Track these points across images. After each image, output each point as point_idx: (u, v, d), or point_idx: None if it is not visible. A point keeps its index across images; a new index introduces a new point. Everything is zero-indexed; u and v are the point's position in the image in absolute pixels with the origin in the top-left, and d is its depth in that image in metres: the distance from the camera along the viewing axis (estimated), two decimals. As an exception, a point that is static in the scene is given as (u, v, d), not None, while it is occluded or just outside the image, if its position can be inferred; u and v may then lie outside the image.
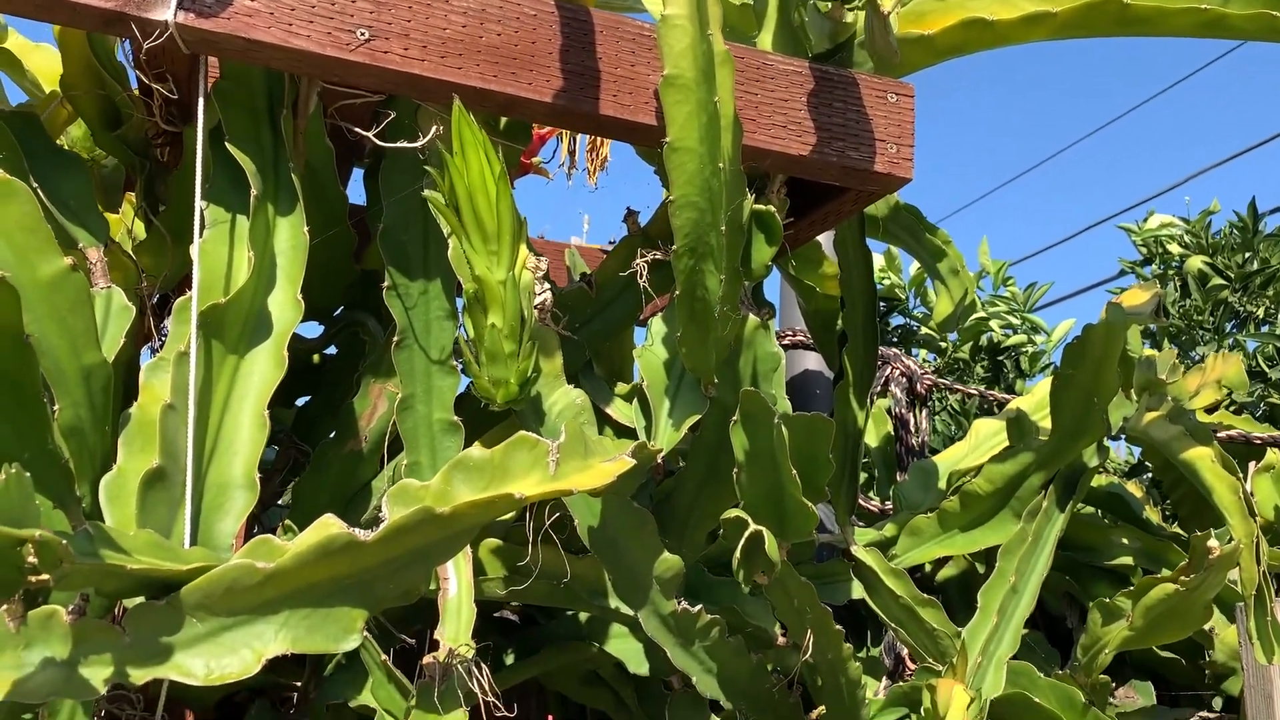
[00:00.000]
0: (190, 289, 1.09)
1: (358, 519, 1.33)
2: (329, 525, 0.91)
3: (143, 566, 0.84)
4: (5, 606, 0.85)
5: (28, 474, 0.69)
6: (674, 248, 1.08)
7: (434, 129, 1.10)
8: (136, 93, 1.15)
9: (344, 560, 0.90)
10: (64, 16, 0.98)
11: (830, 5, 1.24)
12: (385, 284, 1.20)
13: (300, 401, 1.54)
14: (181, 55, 1.05)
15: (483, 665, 1.06)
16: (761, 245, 1.20)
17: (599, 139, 1.65)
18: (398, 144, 1.09)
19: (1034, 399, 1.88)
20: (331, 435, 1.32)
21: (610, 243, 1.76)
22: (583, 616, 1.60)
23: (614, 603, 1.40)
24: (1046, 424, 1.70)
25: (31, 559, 0.75)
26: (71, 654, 0.85)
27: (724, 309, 1.11)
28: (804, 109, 1.22)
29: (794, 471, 1.15)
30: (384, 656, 1.11)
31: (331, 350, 1.53)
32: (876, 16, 1.01)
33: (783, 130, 1.21)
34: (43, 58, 1.69)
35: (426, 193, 1.15)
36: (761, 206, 1.19)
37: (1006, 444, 1.75)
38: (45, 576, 0.81)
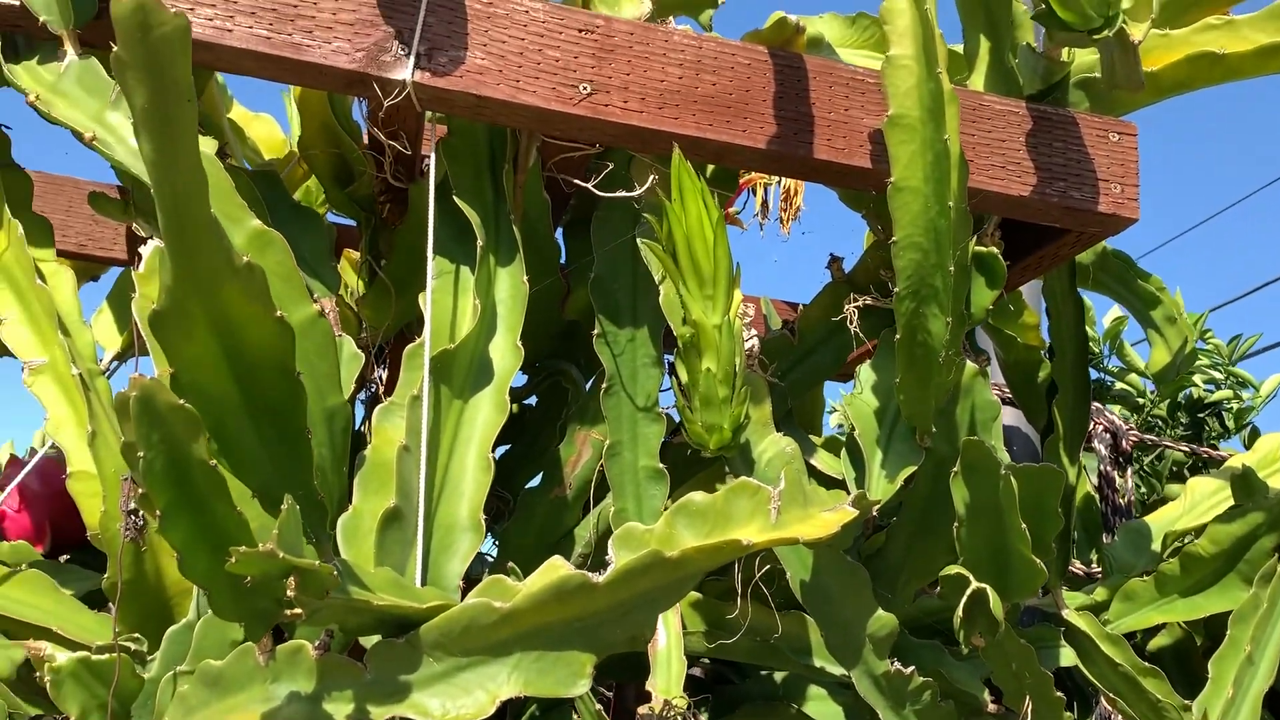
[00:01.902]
0: (412, 337, 1.13)
1: (562, 567, 1.33)
2: (558, 567, 0.91)
3: (387, 604, 0.85)
4: (257, 643, 0.88)
5: (297, 507, 0.72)
6: (896, 290, 1.05)
7: (651, 178, 1.11)
8: (367, 150, 1.21)
9: (576, 602, 0.89)
10: (312, 79, 1.04)
11: (1048, 44, 1.21)
12: (595, 331, 1.21)
13: (499, 450, 1.57)
14: (411, 113, 1.10)
15: (699, 718, 1.04)
16: (982, 289, 1.16)
17: (794, 188, 1.65)
18: (615, 194, 1.10)
19: (1259, 454, 1.76)
20: (537, 481, 1.33)
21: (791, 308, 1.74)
22: (778, 675, 1.56)
23: (819, 661, 1.36)
24: (1276, 481, 1.58)
25: (291, 591, 0.77)
26: (316, 689, 0.88)
27: (948, 354, 1.08)
28: (1022, 149, 1.19)
29: (1023, 526, 1.09)
30: (598, 705, 1.10)
31: (531, 400, 1.56)
32: (1122, 47, 0.98)
33: (1001, 171, 1.17)
34: (262, 127, 1.80)
35: (641, 241, 1.16)
36: (983, 248, 1.15)
37: (1230, 503, 1.64)
38: (298, 610, 0.84)
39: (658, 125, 1.09)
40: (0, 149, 1.11)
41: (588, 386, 1.33)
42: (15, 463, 1.47)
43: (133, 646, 0.98)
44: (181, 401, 0.65)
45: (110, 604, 1.28)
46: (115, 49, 0.63)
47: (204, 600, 1.05)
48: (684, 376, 1.10)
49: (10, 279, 1.05)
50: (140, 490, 0.68)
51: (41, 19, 0.95)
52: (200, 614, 1.04)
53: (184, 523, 0.70)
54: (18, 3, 0.96)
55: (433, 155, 1.09)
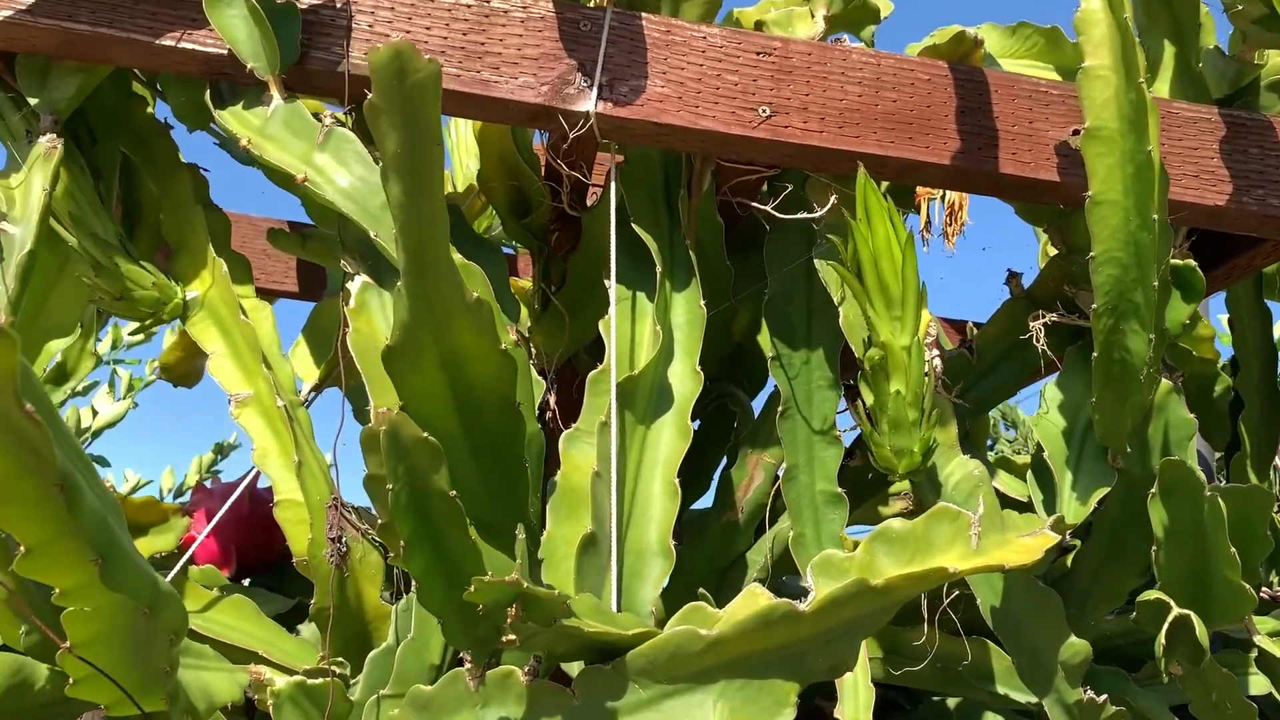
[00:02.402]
0: (577, 364, 1.14)
1: (734, 590, 1.33)
2: (759, 595, 0.90)
3: (596, 630, 0.86)
4: (466, 666, 0.90)
5: (522, 538, 0.73)
6: (1094, 307, 1.02)
7: (832, 198, 1.10)
8: (545, 181, 1.23)
9: (781, 631, 0.88)
10: (499, 114, 1.06)
11: (1239, 46, 1.16)
12: (770, 355, 1.20)
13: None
14: (589, 143, 1.11)
15: (900, 747, 1.02)
16: (1178, 303, 1.12)
17: (959, 202, 1.62)
18: (796, 215, 1.10)
19: None
20: (707, 504, 1.33)
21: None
22: (950, 702, 1.52)
23: (1002, 688, 1.32)
24: None
25: (512, 619, 0.78)
26: (525, 715, 0.88)
27: (1148, 371, 1.04)
28: (1215, 156, 1.14)
29: (1232, 550, 1.04)
30: (788, 733, 1.09)
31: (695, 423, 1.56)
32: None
33: (1194, 180, 1.13)
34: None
35: (821, 262, 1.15)
36: (1179, 261, 1.11)
37: None
38: (512, 637, 0.85)
39: (838, 144, 1.08)
40: (200, 190, 1.16)
41: (763, 411, 1.32)
42: (201, 489, 1.54)
43: (338, 670, 1.00)
44: (425, 434, 0.67)
45: (299, 627, 1.32)
46: (370, 97, 0.66)
47: (402, 625, 1.08)
48: (869, 399, 1.08)
49: (216, 315, 1.09)
50: (382, 521, 0.70)
51: (249, 65, 0.99)
52: (399, 639, 1.07)
53: (424, 552, 0.72)
54: (225, 51, 1.01)
55: (613, 183, 1.10)
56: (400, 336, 0.73)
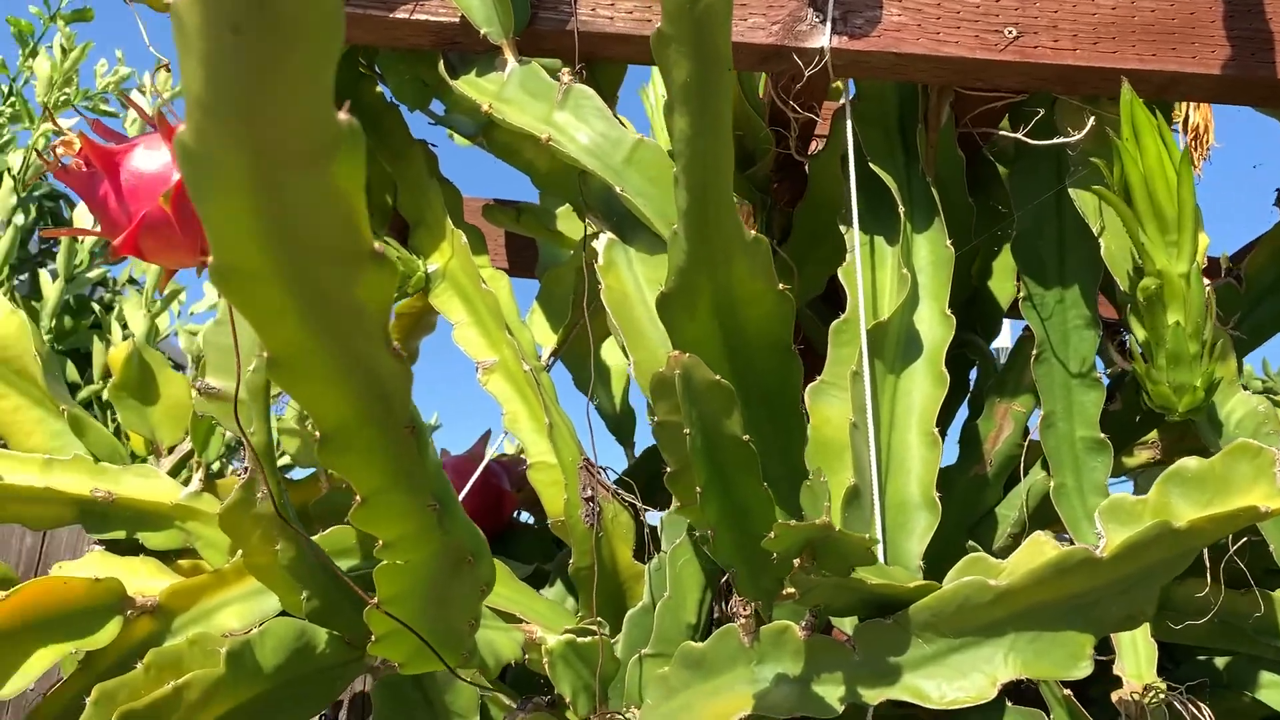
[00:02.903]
0: (825, 316, 1.09)
1: (986, 546, 1.27)
2: (1045, 544, 0.85)
3: (878, 583, 0.82)
4: (740, 621, 0.88)
5: (824, 479, 0.70)
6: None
7: (1089, 121, 1.02)
8: (772, 128, 1.19)
9: (1077, 579, 0.83)
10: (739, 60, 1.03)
11: None
12: (1020, 295, 1.13)
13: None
14: (819, 84, 1.07)
15: (1201, 706, 0.94)
16: None
17: (1204, 125, 1.50)
18: (1053, 141, 1.03)
19: None
20: (952, 459, 1.27)
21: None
22: (1219, 661, 1.42)
23: (1292, 644, 1.22)
24: None
25: (798, 566, 0.75)
26: (804, 671, 0.86)
27: None
28: None
29: None
30: (1066, 691, 1.03)
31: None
32: None
33: None
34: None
35: (1074, 191, 1.07)
36: None
37: None
38: (792, 590, 0.82)
39: (1094, 62, 1.01)
40: (432, 165, 1.18)
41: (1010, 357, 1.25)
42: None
43: (599, 630, 1.00)
44: (718, 377, 0.65)
45: (541, 592, 1.33)
46: (659, 25, 0.64)
47: (656, 584, 1.07)
48: (1142, 334, 1.00)
49: (458, 285, 1.11)
50: (671, 469, 0.68)
51: (482, 31, 0.99)
52: (654, 598, 1.06)
53: (716, 499, 0.70)
54: (458, 19, 1.01)
55: (848, 122, 1.06)
56: (676, 281, 0.71)
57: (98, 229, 0.95)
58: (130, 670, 0.89)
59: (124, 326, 2.35)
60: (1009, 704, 1.13)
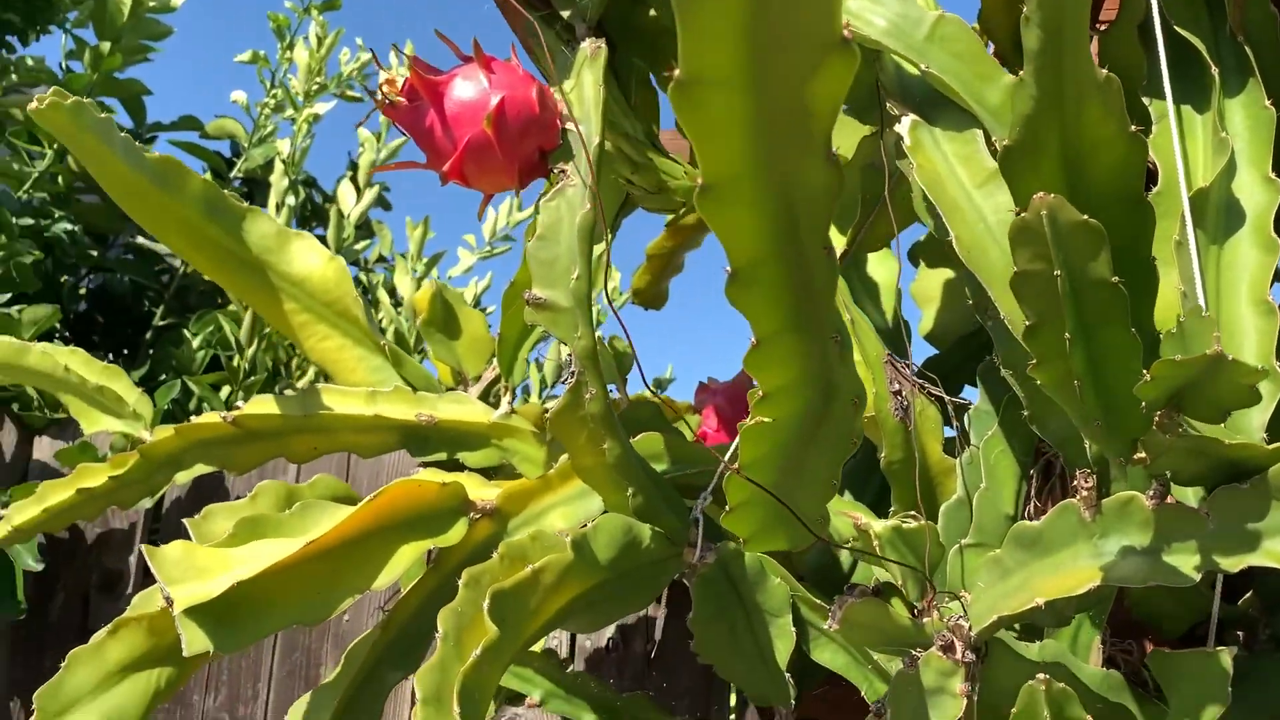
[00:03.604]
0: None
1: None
2: None
3: (1236, 443, 0.79)
4: (1081, 494, 0.86)
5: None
6: None
7: None
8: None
9: None
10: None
11: None
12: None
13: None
14: (1110, -49, 1.02)
15: None
16: None
17: None
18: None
19: None
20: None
21: None
22: None
23: None
24: None
25: (1158, 421, 0.73)
26: (1152, 541, 0.84)
27: None
28: None
29: None
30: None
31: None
32: None
33: None
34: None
35: None
36: None
37: None
38: (1143, 455, 0.80)
39: None
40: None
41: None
42: (704, 388, 1.61)
43: (920, 518, 1.00)
44: (1086, 217, 0.64)
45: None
46: None
47: (970, 478, 1.06)
48: None
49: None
50: (1030, 323, 0.68)
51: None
52: (969, 491, 1.06)
53: (1082, 348, 0.69)
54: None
55: (1152, -14, 1.00)
56: (1021, 132, 0.70)
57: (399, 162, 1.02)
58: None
59: (392, 294, 2.52)
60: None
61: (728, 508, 0.77)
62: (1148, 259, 0.77)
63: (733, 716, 1.65)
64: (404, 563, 0.98)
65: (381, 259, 3.23)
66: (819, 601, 1.10)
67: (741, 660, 1.14)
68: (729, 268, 0.54)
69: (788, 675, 1.12)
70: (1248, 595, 1.16)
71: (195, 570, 0.94)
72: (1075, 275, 0.65)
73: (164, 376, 2.19)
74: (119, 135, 1.11)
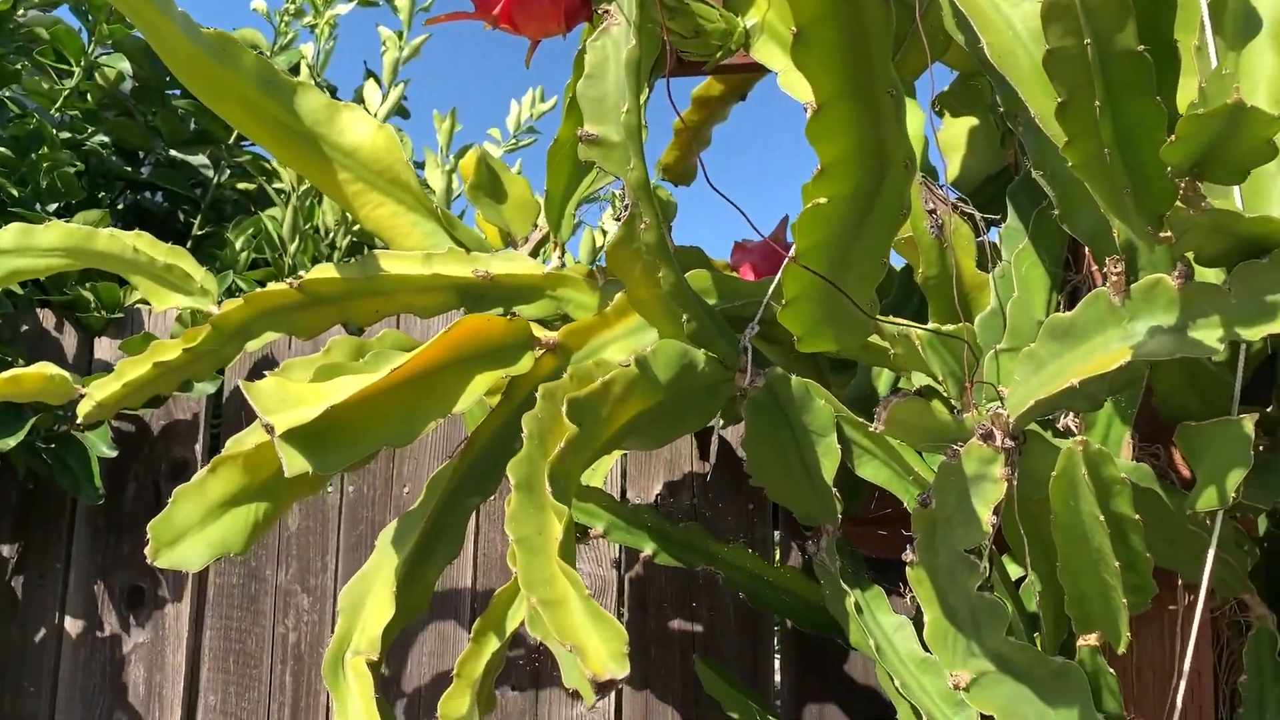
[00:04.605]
0: None
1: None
2: None
3: (1255, 217, 0.84)
4: (1112, 279, 0.92)
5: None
6: None
7: None
8: None
9: None
10: None
11: None
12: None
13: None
14: None
15: None
16: None
17: None
18: None
19: None
20: None
21: None
22: None
23: None
24: None
25: (1182, 190, 0.78)
26: (1179, 319, 0.90)
27: None
28: None
29: None
30: None
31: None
32: None
33: None
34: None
35: None
36: None
37: None
38: (1169, 234, 0.86)
39: None
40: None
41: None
42: (741, 247, 1.68)
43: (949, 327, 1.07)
44: (1110, -13, 0.69)
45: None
46: None
47: (1003, 290, 1.13)
48: None
49: (777, 35, 1.17)
50: (1061, 100, 0.73)
51: None
52: (1001, 303, 1.12)
53: (1110, 119, 0.74)
54: None
55: None
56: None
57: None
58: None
59: (425, 186, 2.57)
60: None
61: (783, 301, 0.84)
62: (1169, 41, 0.82)
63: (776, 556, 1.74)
64: (479, 390, 1.06)
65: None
66: (862, 420, 1.18)
67: (790, 480, 1.22)
68: (793, 30, 0.59)
69: (835, 491, 1.20)
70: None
71: (289, 401, 1.01)
72: (1104, 46, 0.70)
73: (211, 278, 2.26)
74: (177, 9, 1.16)
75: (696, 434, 1.78)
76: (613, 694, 1.75)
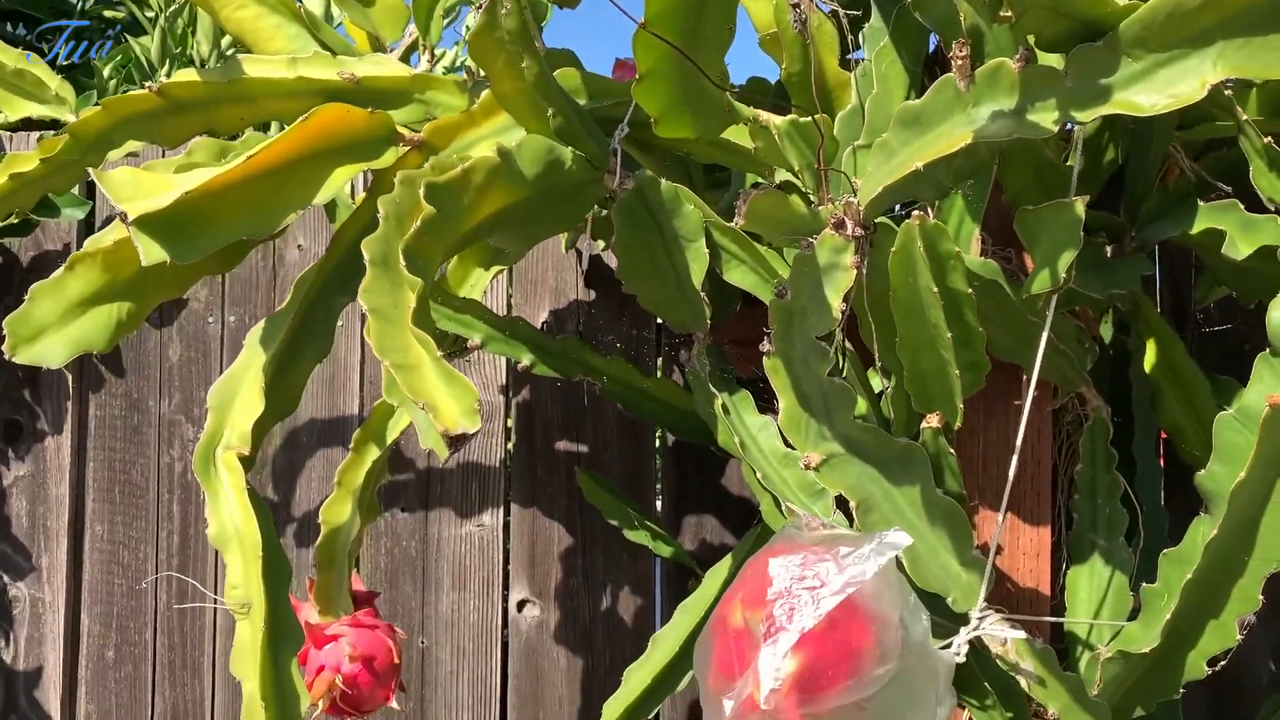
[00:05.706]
0: None
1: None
2: None
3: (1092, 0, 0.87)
4: (957, 64, 0.95)
5: None
6: None
7: None
8: None
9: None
10: None
11: None
12: None
13: None
14: None
15: None
16: None
17: None
18: None
19: None
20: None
21: None
22: None
23: None
24: None
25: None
26: (1018, 102, 0.93)
27: None
28: None
29: None
30: (1267, 139, 1.07)
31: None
32: None
33: None
34: None
35: None
36: None
37: None
38: (1010, 14, 0.88)
39: None
40: None
41: None
42: (621, 65, 1.67)
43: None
44: None
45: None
46: None
47: (863, 87, 1.15)
48: None
49: None
50: None
51: None
52: (861, 100, 1.14)
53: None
54: None
55: None
56: None
57: None
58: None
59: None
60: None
61: (638, 77, 0.85)
62: None
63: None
64: (339, 181, 1.05)
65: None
66: (729, 225, 1.20)
67: (661, 286, 1.25)
68: None
69: (704, 297, 1.23)
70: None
71: (144, 190, 1.00)
72: None
73: (77, 107, 2.17)
74: None
75: (583, 262, 1.81)
76: (501, 511, 1.81)
